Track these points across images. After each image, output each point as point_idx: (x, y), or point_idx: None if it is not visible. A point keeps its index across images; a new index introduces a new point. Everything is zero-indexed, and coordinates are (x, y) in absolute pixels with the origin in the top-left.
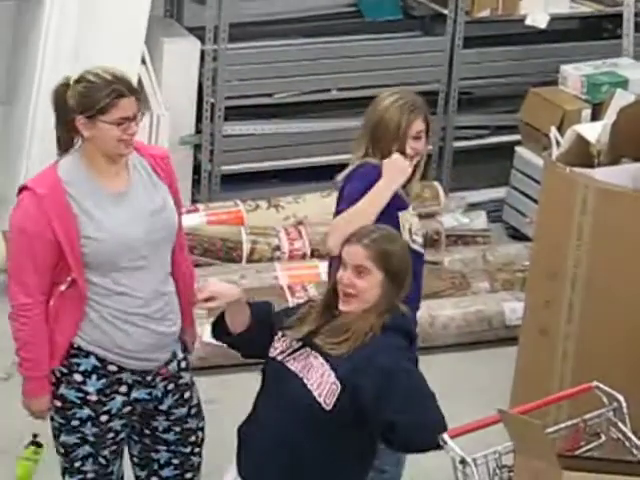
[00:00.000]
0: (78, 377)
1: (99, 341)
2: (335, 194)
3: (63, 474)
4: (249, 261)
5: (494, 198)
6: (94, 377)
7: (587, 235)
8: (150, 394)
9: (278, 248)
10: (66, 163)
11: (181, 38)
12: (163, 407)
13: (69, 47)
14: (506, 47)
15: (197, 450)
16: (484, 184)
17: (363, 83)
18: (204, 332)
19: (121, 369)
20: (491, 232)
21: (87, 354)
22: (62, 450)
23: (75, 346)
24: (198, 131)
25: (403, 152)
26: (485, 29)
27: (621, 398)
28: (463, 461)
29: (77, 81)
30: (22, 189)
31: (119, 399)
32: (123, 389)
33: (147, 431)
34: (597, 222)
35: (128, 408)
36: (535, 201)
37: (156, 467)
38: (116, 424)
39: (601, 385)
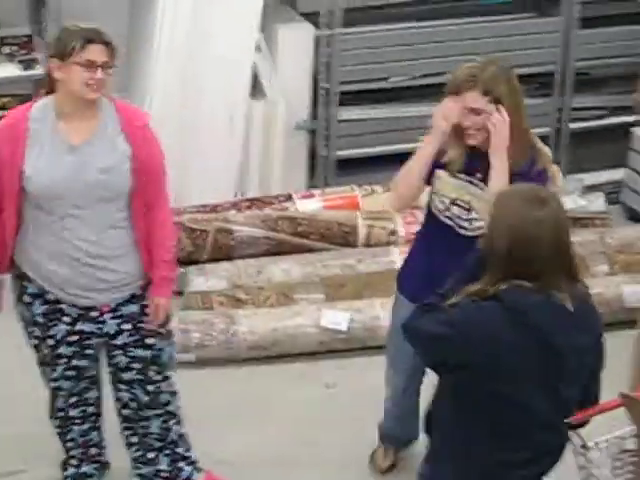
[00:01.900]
0: (27, 298)
1: (33, 269)
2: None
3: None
4: (365, 245)
5: (612, 180)
6: (38, 301)
7: None
8: (100, 329)
9: (394, 232)
10: (41, 102)
11: (295, 24)
12: (118, 342)
13: (183, 37)
14: (622, 27)
15: (151, 405)
16: (602, 166)
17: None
18: (322, 316)
19: (59, 300)
20: (609, 214)
21: (30, 279)
22: (37, 355)
23: (22, 272)
24: (313, 117)
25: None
26: (600, 9)
27: None
28: (585, 446)
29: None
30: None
31: (62, 327)
32: (67, 319)
33: (110, 367)
34: None
35: (74, 337)
36: None
37: (119, 405)
38: (65, 350)
39: None
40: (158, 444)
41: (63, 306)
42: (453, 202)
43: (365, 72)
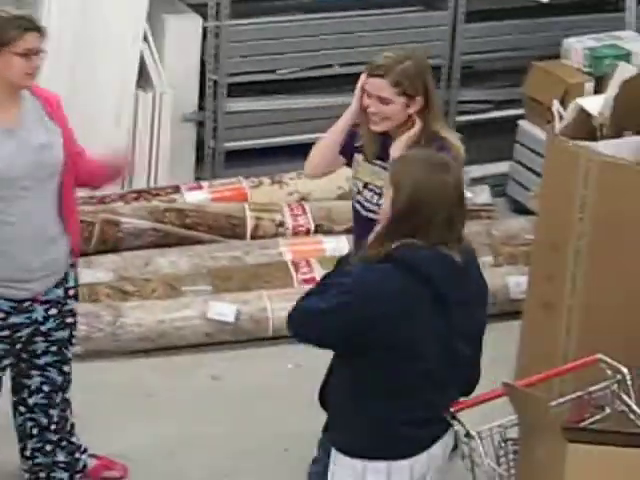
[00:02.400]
0: None
1: None
2: (339, 170)
3: None
4: (253, 237)
5: (498, 172)
6: None
7: (590, 208)
8: (29, 318)
9: (282, 224)
10: None
11: (183, 15)
12: (43, 328)
13: (70, 24)
14: (508, 21)
15: (67, 384)
16: (487, 158)
17: (365, 58)
18: (209, 308)
19: None
20: (495, 206)
21: None
22: None
23: None
24: (201, 108)
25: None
26: (487, 3)
27: (625, 370)
28: (468, 434)
29: None
30: None
31: None
32: (0, 315)
33: (24, 355)
34: (600, 195)
35: (6, 332)
36: (539, 175)
37: (25, 394)
38: (2, 347)
39: (605, 357)
40: (56, 436)
41: None
42: (365, 186)
43: (253, 64)
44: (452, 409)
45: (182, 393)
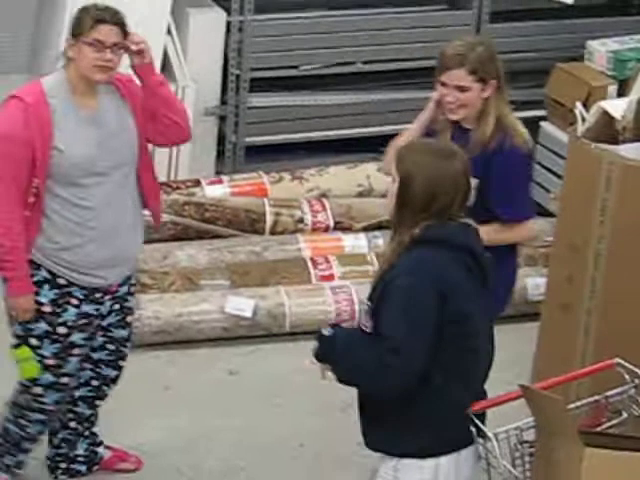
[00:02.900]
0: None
1: (49, 253)
2: (360, 166)
3: (20, 393)
4: (272, 233)
5: None
6: (46, 287)
7: (611, 211)
8: (97, 310)
9: (301, 220)
10: (50, 79)
11: (207, 9)
12: (104, 323)
13: None
14: (532, 22)
15: (116, 379)
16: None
17: (388, 56)
18: (227, 303)
19: (70, 283)
20: None
21: (38, 266)
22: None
23: (27, 259)
24: (223, 102)
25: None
26: (511, 3)
27: None
28: (485, 435)
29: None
30: (7, 99)
31: (72, 310)
32: (74, 302)
33: None
34: (621, 198)
35: (83, 320)
36: (560, 177)
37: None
38: (76, 338)
39: (623, 362)
40: (86, 427)
41: (72, 289)
42: None
43: (276, 59)
44: (470, 409)
45: (199, 387)
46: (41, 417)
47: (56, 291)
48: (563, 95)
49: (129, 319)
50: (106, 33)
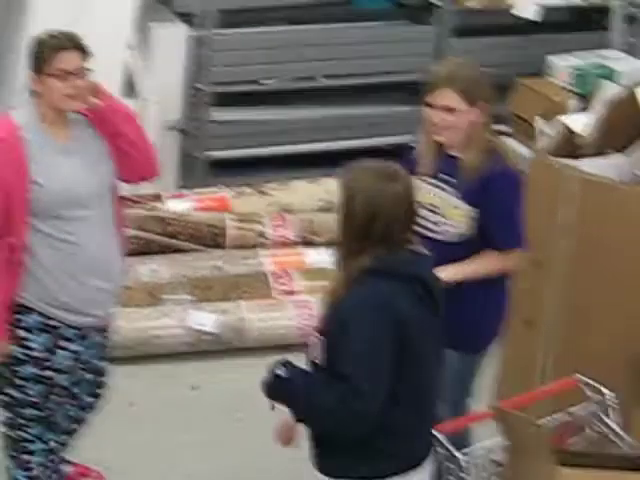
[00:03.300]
0: (22, 333)
1: (40, 296)
2: (321, 181)
3: (10, 429)
4: (234, 247)
5: None
6: (36, 332)
7: (572, 226)
8: (86, 347)
9: (263, 234)
10: (20, 112)
11: (170, 23)
12: (84, 357)
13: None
14: (494, 37)
15: (90, 413)
16: None
17: (350, 71)
18: (189, 317)
19: (62, 324)
20: None
21: (30, 310)
22: (7, 399)
23: (18, 303)
24: (186, 117)
25: None
26: (473, 19)
27: (605, 391)
28: (453, 456)
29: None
30: None
31: (61, 353)
32: (64, 343)
33: None
34: (582, 213)
35: (71, 362)
36: None
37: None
38: (61, 379)
39: (585, 378)
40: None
41: (63, 331)
42: (423, 206)
43: (238, 74)
44: (435, 431)
45: (162, 402)
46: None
47: (46, 335)
48: (525, 110)
49: (105, 352)
50: (69, 60)
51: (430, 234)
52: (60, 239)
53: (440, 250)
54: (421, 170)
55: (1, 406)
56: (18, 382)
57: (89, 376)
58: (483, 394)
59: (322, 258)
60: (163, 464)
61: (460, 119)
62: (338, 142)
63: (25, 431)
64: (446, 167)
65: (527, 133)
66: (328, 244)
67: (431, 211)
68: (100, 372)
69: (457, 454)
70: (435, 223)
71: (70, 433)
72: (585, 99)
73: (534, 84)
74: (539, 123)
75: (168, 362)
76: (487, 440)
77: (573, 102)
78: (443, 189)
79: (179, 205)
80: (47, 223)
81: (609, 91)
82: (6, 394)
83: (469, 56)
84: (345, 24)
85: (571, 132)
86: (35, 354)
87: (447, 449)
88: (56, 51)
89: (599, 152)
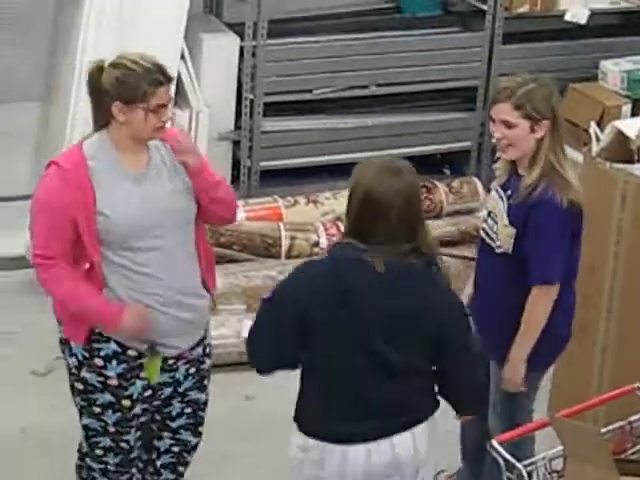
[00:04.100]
0: (99, 361)
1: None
2: None
3: (84, 456)
4: (288, 257)
5: None
6: (114, 362)
7: (626, 231)
8: (172, 377)
9: (317, 244)
10: (92, 141)
11: (220, 34)
12: (180, 389)
13: (108, 45)
14: (545, 43)
15: (196, 446)
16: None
17: (402, 79)
18: (244, 327)
19: (141, 354)
20: None
21: (107, 339)
22: (84, 432)
23: (96, 331)
24: (237, 127)
25: None
26: (524, 25)
27: None
28: (514, 467)
29: (114, 66)
30: (47, 166)
31: (139, 383)
32: (144, 374)
33: (158, 416)
34: (636, 218)
35: (149, 392)
36: None
37: (155, 456)
38: (138, 409)
39: None
40: None
41: (144, 360)
42: (489, 214)
43: (289, 83)
44: (495, 441)
45: (216, 411)
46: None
47: (124, 366)
48: (577, 115)
49: (205, 382)
50: (164, 95)
51: (489, 241)
52: (133, 270)
53: (490, 259)
54: (496, 180)
55: (83, 438)
56: (96, 410)
57: (188, 410)
58: (539, 402)
59: None
60: (219, 474)
61: (520, 135)
62: (391, 150)
63: (100, 461)
64: (512, 183)
65: (580, 138)
66: None
67: (493, 220)
68: (199, 405)
69: (518, 465)
70: (495, 233)
71: (174, 471)
72: (638, 103)
73: (586, 89)
74: (592, 128)
75: (223, 372)
76: (548, 450)
77: (626, 106)
78: (502, 203)
79: None
80: (119, 254)
81: None
82: (83, 425)
83: (520, 62)
84: (395, 32)
85: (624, 136)
86: (112, 382)
87: (506, 459)
88: (154, 87)
89: None
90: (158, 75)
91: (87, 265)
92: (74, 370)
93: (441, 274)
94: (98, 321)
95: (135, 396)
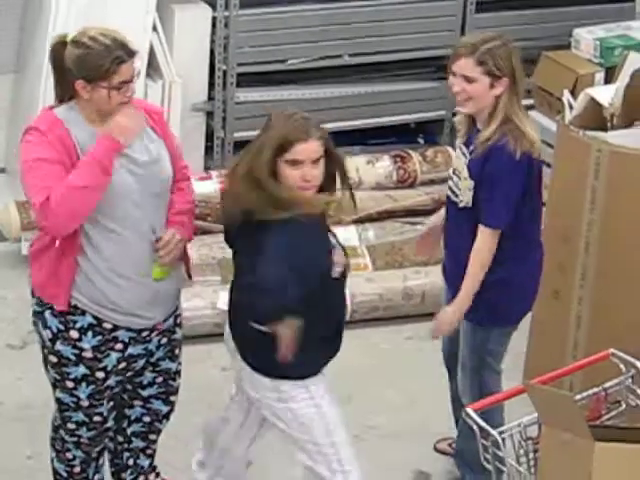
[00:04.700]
0: (74, 334)
1: (93, 298)
2: (348, 159)
3: (57, 429)
4: None
5: None
6: (90, 334)
7: (600, 198)
8: (145, 349)
9: None
10: (63, 109)
11: (192, 5)
12: (152, 359)
13: (79, 15)
14: (518, 11)
15: (171, 412)
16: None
17: (375, 49)
18: (219, 298)
19: (116, 327)
20: None
21: (83, 312)
22: (57, 406)
23: (72, 304)
24: (210, 98)
25: None
26: None
27: (639, 364)
28: (489, 434)
29: (75, 43)
30: (23, 133)
31: (114, 355)
32: (119, 346)
33: (129, 386)
34: (610, 185)
35: (123, 364)
36: (549, 165)
37: (125, 424)
38: (112, 381)
39: (618, 352)
40: (147, 461)
41: (119, 333)
42: (453, 171)
43: (262, 54)
44: (470, 409)
45: (191, 383)
46: (80, 454)
47: (100, 338)
48: (550, 83)
49: (177, 351)
50: (127, 71)
51: (454, 198)
52: (110, 238)
53: (455, 215)
54: (458, 138)
55: (56, 411)
56: (69, 384)
57: (159, 379)
58: (513, 367)
59: (350, 236)
60: (193, 445)
61: (480, 91)
62: (365, 120)
63: (73, 434)
64: (472, 139)
65: (553, 106)
66: (356, 222)
67: (457, 177)
68: (170, 374)
69: (492, 432)
70: (458, 188)
71: (145, 439)
72: (611, 71)
73: (559, 57)
74: (565, 96)
75: (199, 343)
76: (522, 417)
77: (599, 74)
78: (463, 159)
79: (206, 187)
80: (98, 221)
81: (635, 62)
82: (56, 398)
83: (493, 30)
84: (368, 1)
85: (598, 104)
86: (86, 354)
87: (481, 427)
88: (116, 65)
89: (626, 124)
90: (120, 52)
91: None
92: (48, 343)
93: None
94: (106, 154)
95: (109, 368)
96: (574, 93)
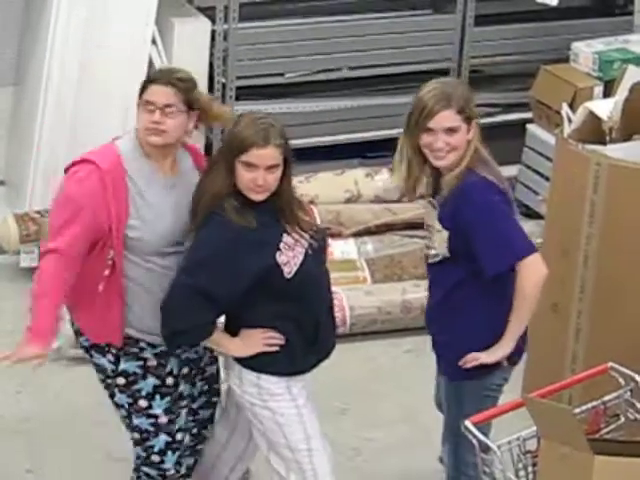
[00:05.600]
0: (134, 349)
1: (145, 328)
2: (347, 173)
3: (139, 467)
4: None
5: (506, 176)
6: (148, 348)
7: (599, 212)
8: (197, 352)
9: None
10: (124, 142)
11: (192, 18)
12: (201, 364)
13: (79, 28)
14: (517, 24)
15: (212, 418)
16: (496, 162)
17: (374, 62)
18: None
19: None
20: None
21: (137, 340)
22: (137, 436)
23: (125, 336)
24: None
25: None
26: (496, 6)
27: (638, 378)
28: (487, 448)
29: None
30: (79, 162)
31: (173, 360)
32: (177, 351)
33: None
34: (609, 199)
35: (186, 369)
36: (547, 179)
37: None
38: (184, 388)
39: (617, 366)
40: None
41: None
42: (427, 228)
43: (261, 67)
44: (469, 422)
45: None
46: None
47: (157, 350)
48: (549, 97)
49: (215, 352)
50: (156, 94)
51: (427, 252)
52: (160, 274)
53: (432, 270)
54: (425, 195)
55: (135, 445)
56: (142, 404)
57: (205, 387)
58: (514, 383)
59: (349, 249)
60: None
61: (462, 139)
62: (364, 133)
63: (161, 469)
64: (437, 191)
65: (551, 120)
66: (355, 235)
67: (430, 232)
68: (213, 377)
69: (492, 445)
70: (433, 242)
71: (194, 453)
72: (609, 84)
73: (558, 70)
74: (564, 109)
75: None
76: (522, 431)
77: (598, 88)
78: (434, 212)
79: None
80: (146, 259)
81: (634, 76)
82: (134, 427)
83: (492, 44)
84: (367, 14)
85: (596, 118)
86: (151, 363)
87: (480, 441)
88: (149, 83)
89: (625, 137)
90: (156, 73)
91: (107, 272)
92: (111, 367)
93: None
94: (31, 320)
95: (176, 372)
96: (573, 107)
